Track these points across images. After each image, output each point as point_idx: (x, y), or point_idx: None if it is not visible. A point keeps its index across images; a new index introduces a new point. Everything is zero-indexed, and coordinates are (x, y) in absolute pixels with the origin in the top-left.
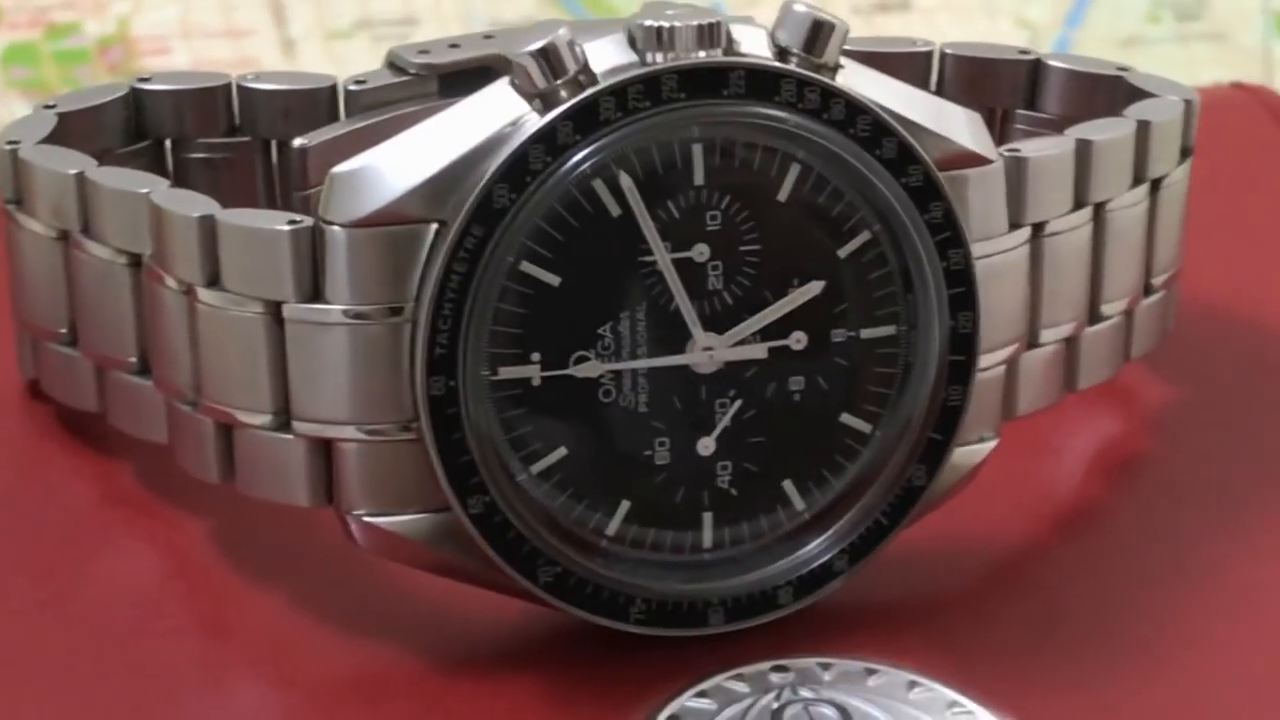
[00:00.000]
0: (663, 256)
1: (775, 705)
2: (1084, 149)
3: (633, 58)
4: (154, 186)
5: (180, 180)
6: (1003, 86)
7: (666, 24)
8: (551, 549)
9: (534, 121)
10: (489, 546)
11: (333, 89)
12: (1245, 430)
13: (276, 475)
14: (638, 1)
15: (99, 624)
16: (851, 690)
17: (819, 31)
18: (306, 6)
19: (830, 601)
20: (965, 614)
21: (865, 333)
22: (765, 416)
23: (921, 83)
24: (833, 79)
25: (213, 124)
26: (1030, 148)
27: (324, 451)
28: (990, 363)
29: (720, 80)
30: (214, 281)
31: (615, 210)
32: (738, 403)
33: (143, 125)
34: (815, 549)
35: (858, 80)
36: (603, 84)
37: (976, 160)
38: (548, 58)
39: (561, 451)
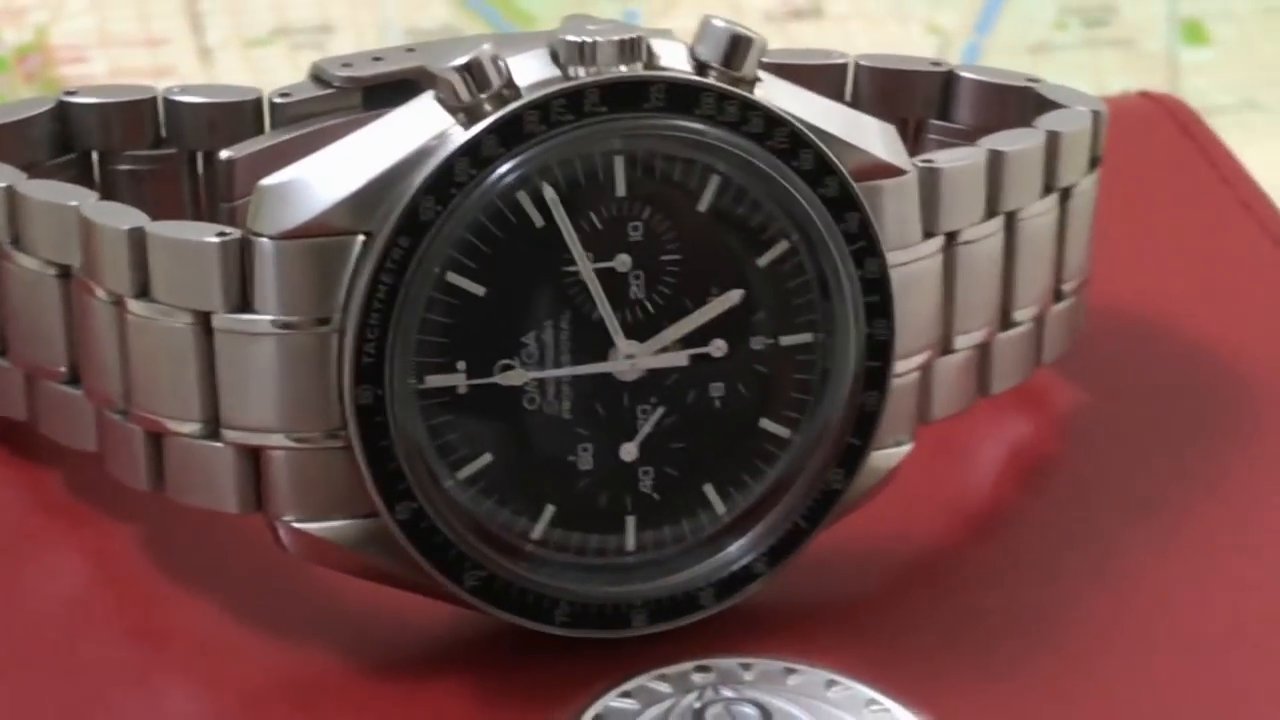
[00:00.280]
0: (585, 266)
1: (698, 705)
2: (996, 159)
3: (555, 72)
4: (83, 199)
5: (107, 192)
6: (916, 98)
7: (588, 39)
8: (478, 553)
9: (459, 135)
10: (416, 551)
11: (258, 101)
12: (1152, 433)
13: (206, 482)
14: (553, 8)
15: (30, 630)
16: (772, 689)
17: (737, 46)
18: (224, 15)
19: (751, 603)
20: (881, 613)
21: (784, 340)
22: (686, 422)
23: (836, 94)
24: (751, 92)
25: (139, 136)
26: (943, 158)
27: (253, 459)
28: (906, 369)
29: (641, 94)
30: (143, 292)
31: (539, 221)
32: (660, 409)
33: (69, 138)
34: (736, 551)
35: (775, 93)
36: (527, 98)
37: (891, 171)
38: (472, 72)
39: (487, 458)
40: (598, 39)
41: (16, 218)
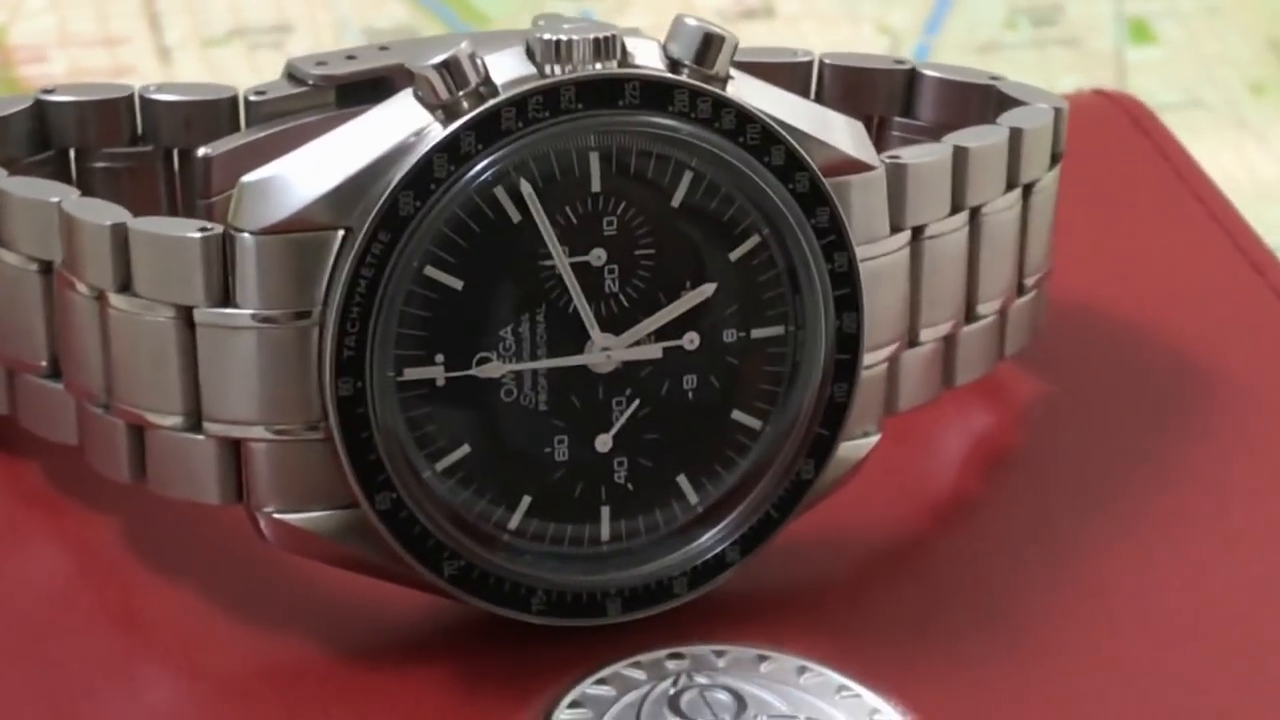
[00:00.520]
0: (561, 261)
1: (672, 691)
2: (961, 155)
3: (531, 70)
4: (65, 195)
5: (84, 189)
6: (879, 95)
7: (564, 37)
8: (455, 543)
9: (437, 131)
10: (395, 541)
11: (233, 100)
12: (1111, 423)
13: (187, 474)
14: (507, 8)
15: (11, 620)
16: (745, 676)
17: (710, 44)
18: (182, 15)
19: (723, 591)
20: (850, 601)
21: (755, 333)
22: (660, 414)
23: (801, 92)
24: (723, 89)
25: (116, 134)
26: (910, 154)
27: (234, 451)
28: (873, 361)
29: (616, 91)
30: (125, 287)
31: (516, 216)
32: (634, 401)
33: (47, 135)
34: (708, 541)
35: (747, 90)
36: (504, 95)
37: (859, 167)
38: (450, 70)
39: (465, 449)
40: (573, 37)
41: None
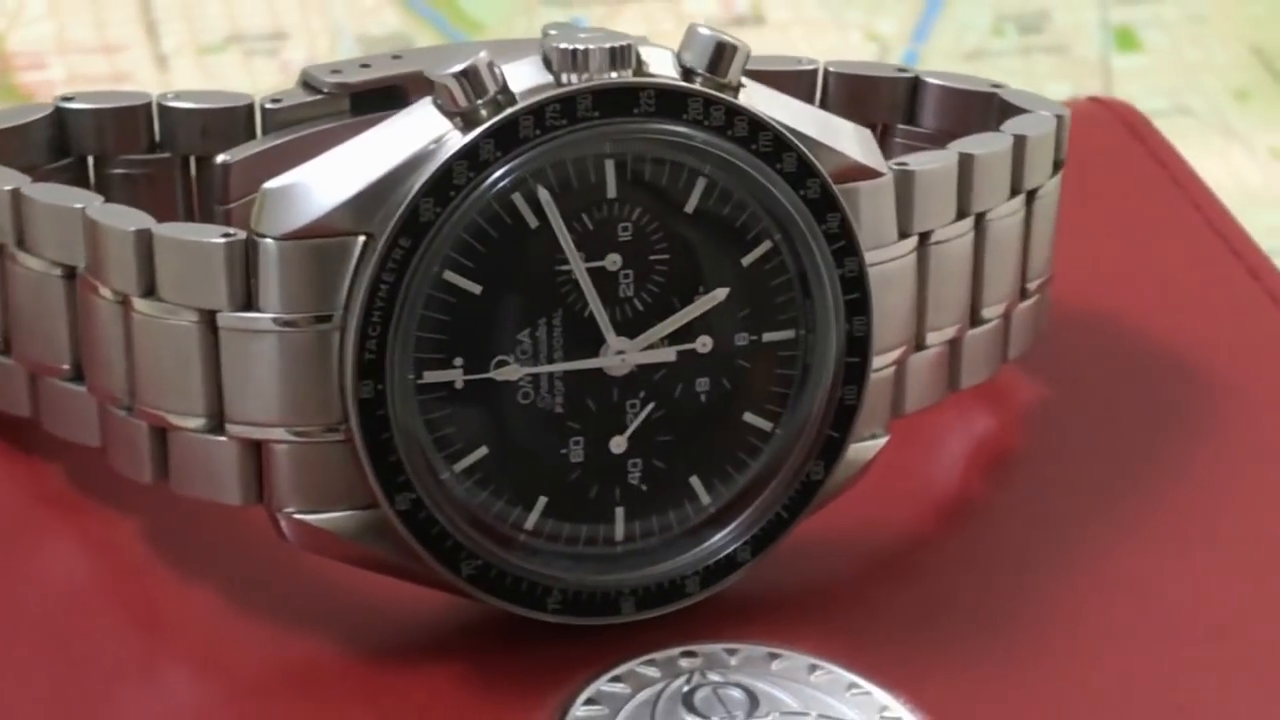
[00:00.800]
0: (578, 266)
1: (686, 688)
2: (966, 162)
3: (549, 78)
4: (89, 202)
5: (102, 196)
6: (882, 103)
7: (580, 46)
8: (473, 543)
9: (457, 139)
10: (415, 541)
11: (250, 107)
12: (1111, 425)
13: (209, 475)
14: (498, 14)
15: (33, 619)
16: (757, 674)
17: (722, 53)
18: (178, 22)
19: (734, 590)
20: (858, 600)
21: (766, 336)
22: (673, 416)
23: (806, 99)
24: (735, 97)
25: (133, 141)
26: (917, 161)
27: (255, 452)
28: (881, 364)
29: (631, 99)
30: (149, 292)
31: (533, 222)
32: (648, 404)
33: (66, 142)
34: (720, 541)
35: (758, 98)
36: (522, 103)
37: (868, 173)
38: (469, 79)
39: (483, 450)
40: (589, 46)
41: (21, 220)
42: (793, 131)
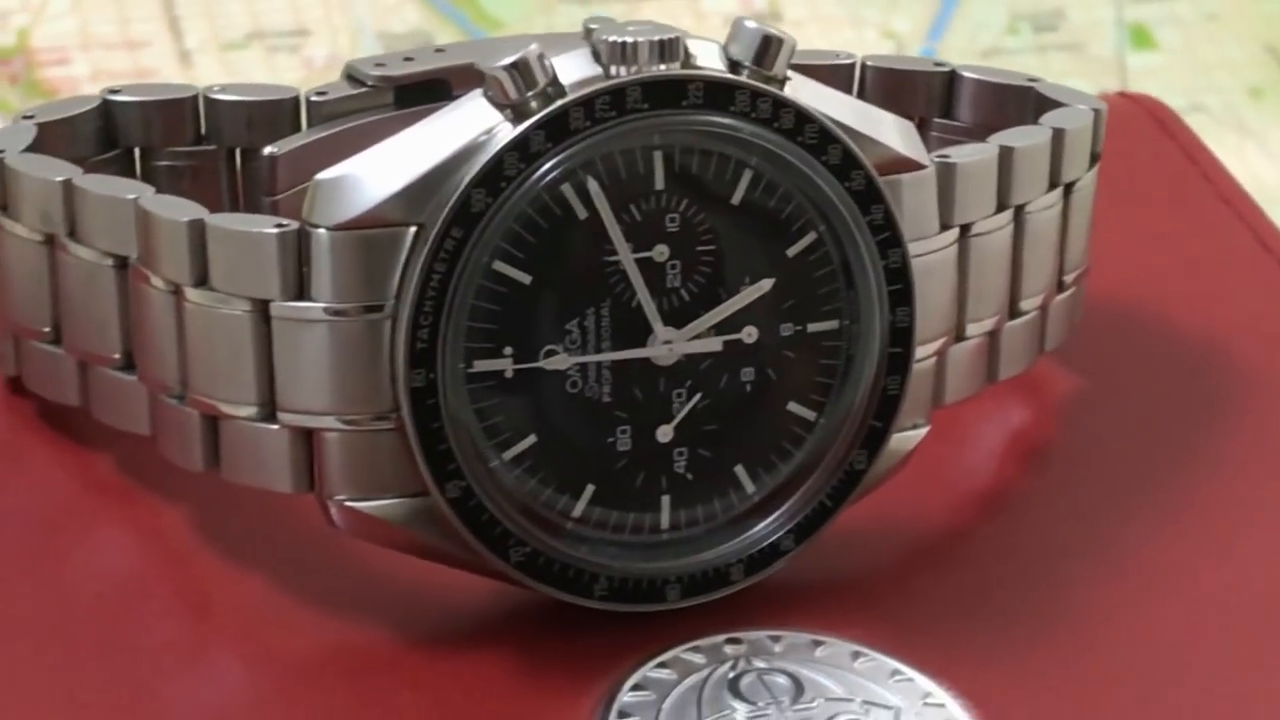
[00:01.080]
0: (626, 256)
1: (732, 675)
2: (1006, 155)
3: (598, 71)
4: (141, 192)
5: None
6: (919, 96)
7: (629, 39)
8: (522, 530)
9: (507, 131)
10: (464, 528)
11: (295, 100)
12: (1145, 416)
13: (261, 463)
14: (519, 13)
15: (88, 606)
16: (801, 660)
17: (769, 46)
18: (201, 19)
19: (778, 578)
20: (899, 588)
21: (811, 327)
22: (719, 406)
23: (844, 92)
24: (782, 90)
25: (180, 133)
26: (958, 154)
27: (306, 440)
28: (923, 355)
29: (680, 91)
30: (202, 281)
31: (583, 213)
32: (694, 393)
33: (113, 135)
34: (764, 529)
35: (804, 91)
36: (572, 96)
37: (911, 165)
38: (520, 71)
39: (531, 439)
40: (638, 39)
41: (73, 210)
42: (837, 123)
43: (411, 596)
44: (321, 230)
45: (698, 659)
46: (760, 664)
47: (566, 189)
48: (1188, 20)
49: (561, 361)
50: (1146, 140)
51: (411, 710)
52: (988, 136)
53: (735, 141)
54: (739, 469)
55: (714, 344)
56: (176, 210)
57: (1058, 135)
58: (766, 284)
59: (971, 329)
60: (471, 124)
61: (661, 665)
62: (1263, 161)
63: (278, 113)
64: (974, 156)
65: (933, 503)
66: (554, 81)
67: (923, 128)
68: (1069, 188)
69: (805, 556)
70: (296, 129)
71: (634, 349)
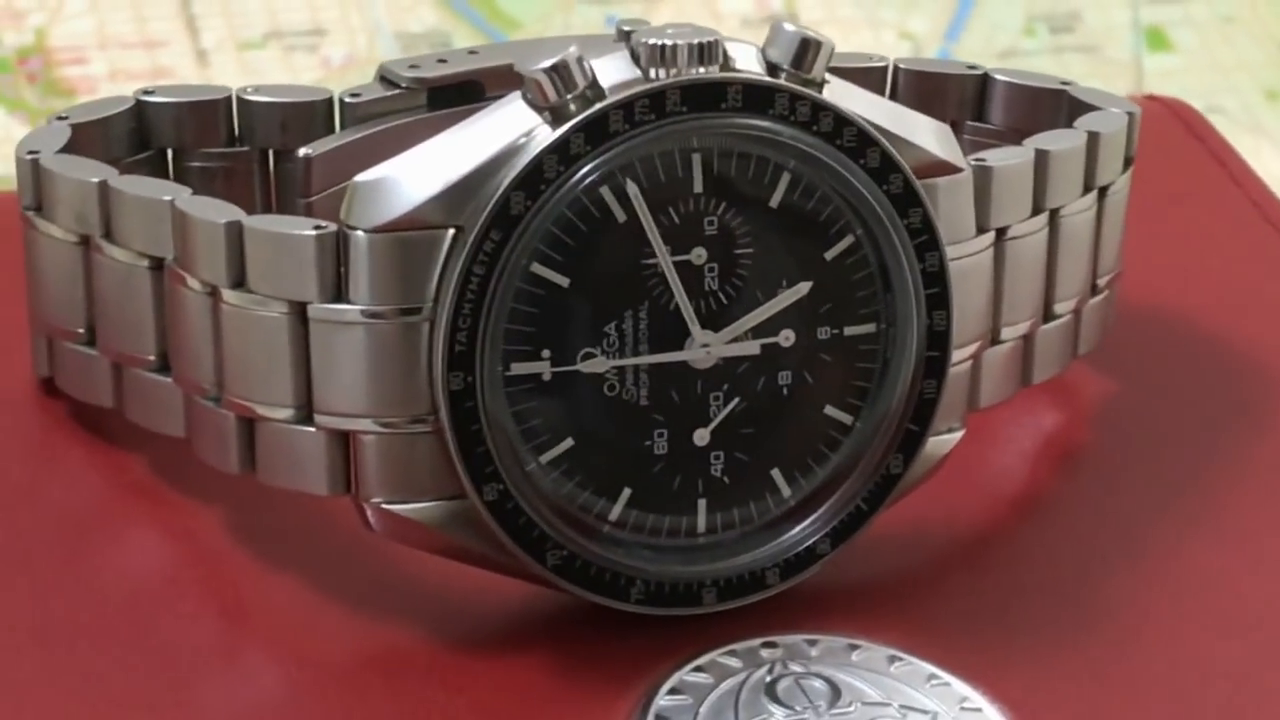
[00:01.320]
0: (665, 259)
1: (769, 679)
2: (1042, 158)
3: (636, 74)
4: (177, 194)
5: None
6: (951, 99)
7: (669, 42)
8: (558, 533)
9: (546, 133)
10: (501, 531)
11: (329, 101)
12: (1177, 420)
13: (297, 466)
14: (535, 12)
15: (123, 608)
16: (838, 664)
17: (807, 49)
18: (218, 18)
19: (813, 581)
20: (935, 592)
21: (848, 330)
22: (756, 409)
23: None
24: (820, 93)
25: (213, 135)
26: (994, 157)
27: (343, 443)
28: (959, 358)
29: (719, 94)
30: (239, 283)
31: (621, 216)
32: (732, 396)
33: (146, 135)
34: (800, 533)
35: (842, 94)
36: (611, 98)
37: (948, 169)
38: (559, 74)
39: (569, 442)
40: (677, 42)
41: (109, 211)
42: (876, 127)
43: (447, 600)
44: (360, 232)
45: (734, 663)
46: (797, 668)
47: (605, 192)
48: (1204, 22)
49: (599, 364)
50: (1174, 143)
51: (447, 713)
52: (1019, 139)
53: (774, 144)
54: (775, 472)
55: (751, 347)
56: (214, 212)
57: (1093, 139)
58: (804, 287)
59: (1006, 332)
60: (510, 126)
61: (698, 669)
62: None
63: (311, 114)
64: (1010, 160)
65: (967, 506)
66: (593, 84)
67: (954, 130)
68: (1103, 191)
69: (841, 560)
70: (330, 130)
71: (671, 352)
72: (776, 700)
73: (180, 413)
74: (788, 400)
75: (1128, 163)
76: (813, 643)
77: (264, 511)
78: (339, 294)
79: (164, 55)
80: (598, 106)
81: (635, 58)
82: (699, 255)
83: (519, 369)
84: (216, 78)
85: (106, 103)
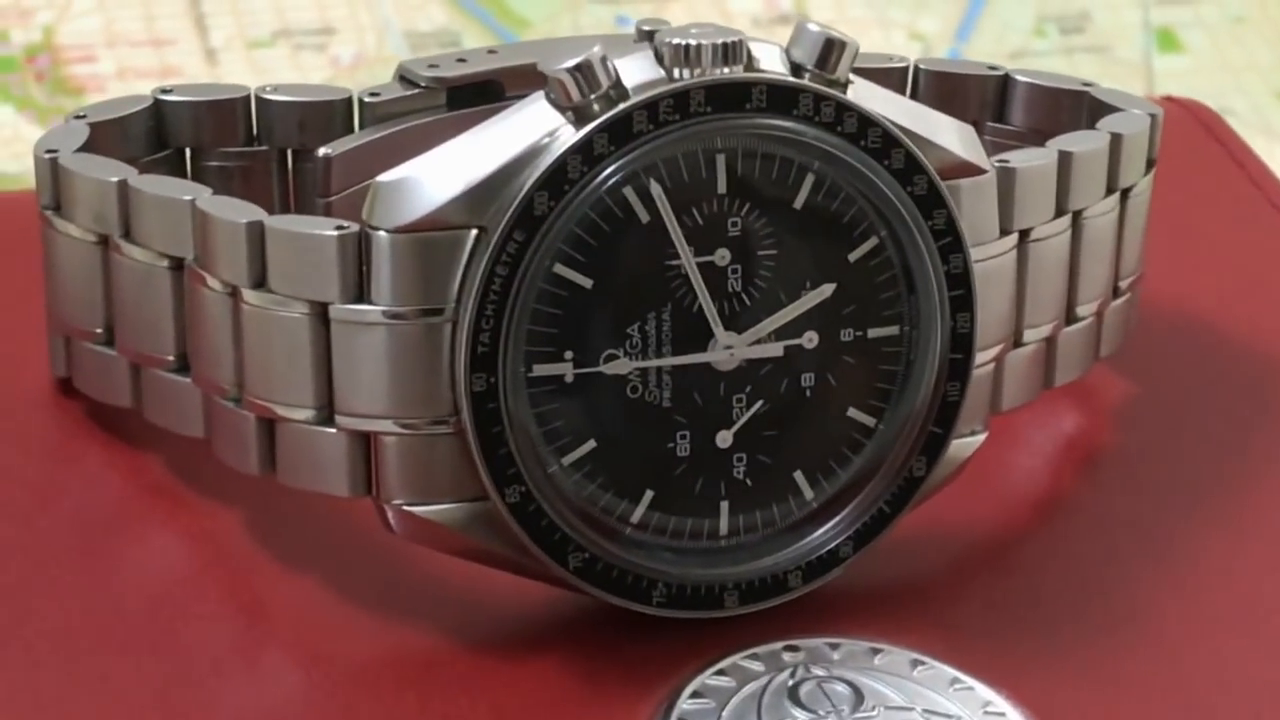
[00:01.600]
0: (688, 260)
1: (791, 682)
2: (1065, 160)
3: (660, 74)
4: (197, 194)
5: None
6: (972, 100)
7: (693, 42)
8: (580, 536)
9: (570, 133)
10: (523, 533)
11: (348, 101)
12: (1199, 423)
13: (318, 467)
14: (544, 11)
15: (142, 609)
16: (860, 668)
17: (831, 49)
18: (227, 17)
19: (836, 584)
20: (957, 595)
21: (872, 332)
22: (779, 411)
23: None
24: (844, 93)
25: (231, 134)
26: (1018, 158)
27: (364, 444)
28: (982, 360)
29: (744, 95)
30: (260, 283)
31: (645, 217)
32: (755, 398)
33: (165, 135)
34: (823, 536)
35: (866, 95)
36: (635, 99)
37: (972, 170)
38: (583, 74)
39: (591, 444)
40: (701, 41)
41: (128, 211)
42: (900, 128)
43: (468, 602)
44: (382, 233)
45: (756, 666)
46: (819, 672)
47: (629, 192)
48: (1214, 23)
49: (622, 366)
50: (1193, 145)
51: (468, 716)
52: (1040, 140)
53: (798, 145)
54: (798, 475)
55: (774, 349)
56: (235, 212)
57: (1115, 140)
58: (828, 289)
59: (1029, 335)
60: (533, 127)
61: (720, 673)
62: None
63: (330, 114)
64: (1033, 161)
65: (990, 509)
66: (617, 84)
67: (975, 131)
68: (1125, 193)
69: (863, 563)
70: (349, 130)
71: (695, 354)
72: (799, 704)
73: (199, 413)
74: (810, 402)
75: (1150, 164)
76: (835, 646)
77: (284, 513)
78: (361, 294)
79: (172, 54)
80: (622, 107)
81: (659, 58)
82: (722, 256)
83: (541, 370)
84: (225, 76)
85: (124, 101)
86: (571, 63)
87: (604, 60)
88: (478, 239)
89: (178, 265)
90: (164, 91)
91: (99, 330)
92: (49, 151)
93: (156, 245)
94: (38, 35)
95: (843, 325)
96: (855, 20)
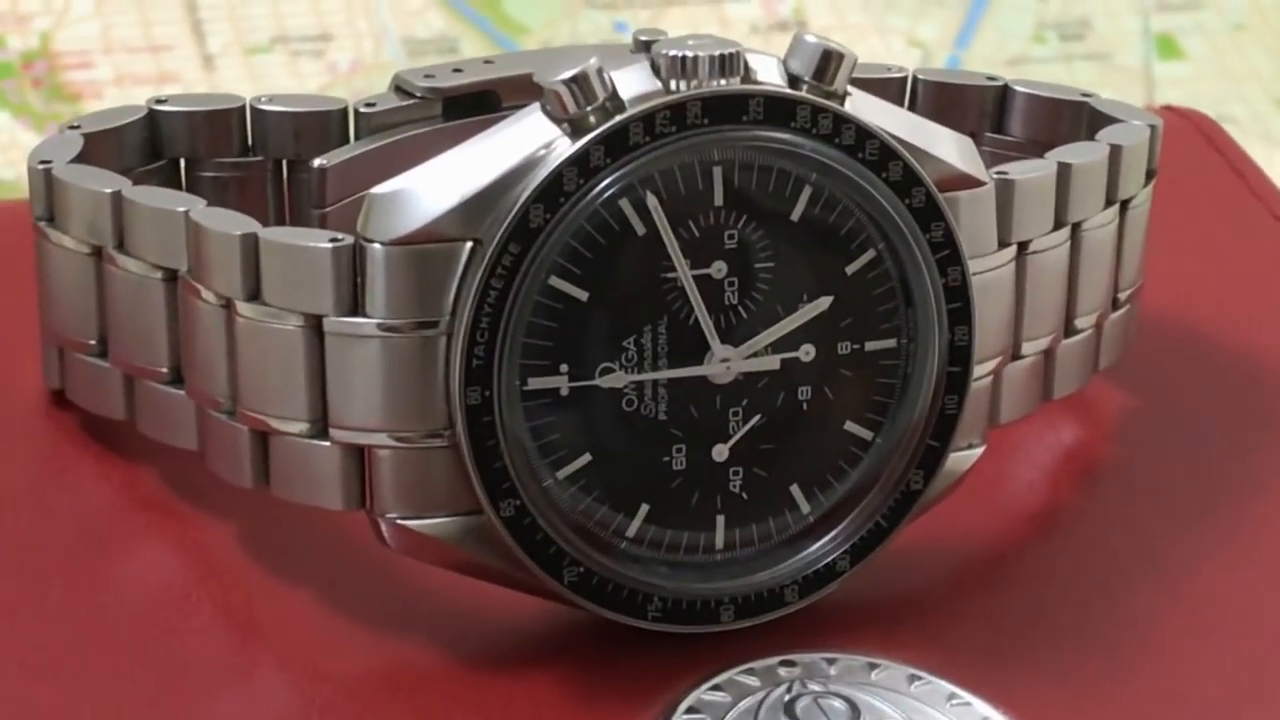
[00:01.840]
0: (684, 273)
1: (787, 697)
2: (1064, 171)
3: (657, 85)
4: (191, 205)
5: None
6: (971, 110)
7: (690, 53)
8: (575, 549)
9: (566, 145)
10: (518, 547)
11: (343, 111)
12: (1198, 436)
13: (311, 480)
14: (542, 17)
15: (134, 622)
16: (857, 683)
17: (829, 61)
18: (224, 23)
19: (832, 599)
20: (955, 609)
21: (869, 345)
22: (775, 425)
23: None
24: (842, 105)
25: (226, 144)
26: (1017, 170)
27: (358, 458)
28: (980, 373)
29: (741, 107)
30: (254, 296)
31: (641, 229)
32: (751, 412)
33: (159, 145)
34: (819, 550)
35: (864, 106)
36: (631, 110)
37: (970, 182)
38: (579, 85)
39: (586, 457)
40: (698, 53)
41: (122, 222)
42: (898, 139)
43: (463, 616)
44: (377, 245)
45: (752, 681)
46: (815, 687)
47: (625, 205)
48: (1215, 30)
49: (617, 379)
50: (1193, 155)
51: None
52: (1039, 151)
53: (795, 157)
54: (794, 489)
55: (771, 362)
56: (229, 223)
57: (1115, 152)
58: (825, 302)
59: (1027, 347)
60: (529, 138)
61: (715, 688)
62: None
63: (325, 124)
64: (1032, 173)
65: (988, 523)
66: (613, 96)
67: (973, 142)
68: (1124, 205)
69: (860, 578)
70: (344, 140)
71: (691, 367)
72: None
73: (193, 426)
74: (807, 416)
75: (1149, 176)
76: (832, 661)
77: (278, 526)
78: (355, 307)
79: (169, 60)
80: (618, 119)
81: (656, 69)
82: (719, 269)
83: (537, 383)
84: (222, 83)
85: (119, 112)
86: (568, 74)
87: (600, 72)
88: (473, 251)
89: (171, 277)
90: (158, 102)
91: (92, 342)
92: (43, 163)
93: (150, 257)
94: (35, 41)
95: (840, 338)
96: (854, 26)
